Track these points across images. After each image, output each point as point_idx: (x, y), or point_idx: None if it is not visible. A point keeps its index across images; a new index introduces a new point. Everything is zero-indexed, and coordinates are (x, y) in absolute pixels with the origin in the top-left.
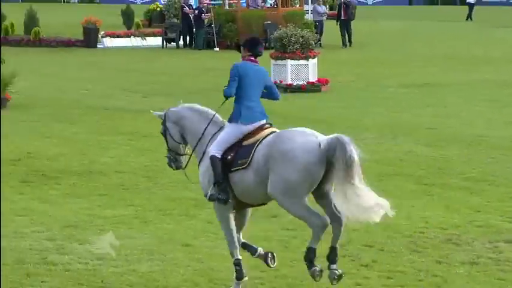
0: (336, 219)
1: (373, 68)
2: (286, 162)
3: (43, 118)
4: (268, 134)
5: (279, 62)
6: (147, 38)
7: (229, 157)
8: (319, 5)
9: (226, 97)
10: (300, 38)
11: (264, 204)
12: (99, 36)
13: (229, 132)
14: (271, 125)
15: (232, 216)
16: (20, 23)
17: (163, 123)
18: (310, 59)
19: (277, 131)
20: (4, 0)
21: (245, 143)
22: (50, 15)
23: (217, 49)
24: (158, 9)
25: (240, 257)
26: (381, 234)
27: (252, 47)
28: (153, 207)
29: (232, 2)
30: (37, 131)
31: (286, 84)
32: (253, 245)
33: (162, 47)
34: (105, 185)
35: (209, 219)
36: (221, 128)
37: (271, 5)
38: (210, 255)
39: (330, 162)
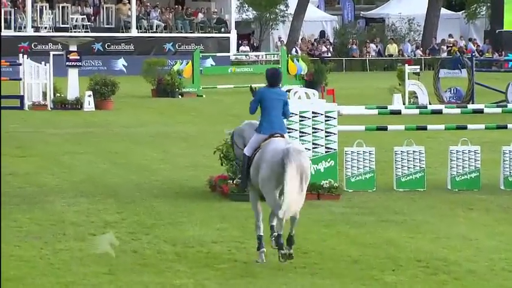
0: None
1: None
2: (262, 161)
3: None
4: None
5: None
6: None
7: (251, 156)
8: None
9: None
10: None
11: None
12: None
13: (254, 139)
14: (283, 136)
15: (259, 202)
16: None
17: (232, 138)
18: None
19: (284, 139)
20: None
21: (261, 146)
22: None
23: None
24: None
25: (262, 234)
26: None
27: (269, 80)
28: None
29: None
30: None
31: None
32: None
33: None
34: None
35: None
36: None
37: None
38: None
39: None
